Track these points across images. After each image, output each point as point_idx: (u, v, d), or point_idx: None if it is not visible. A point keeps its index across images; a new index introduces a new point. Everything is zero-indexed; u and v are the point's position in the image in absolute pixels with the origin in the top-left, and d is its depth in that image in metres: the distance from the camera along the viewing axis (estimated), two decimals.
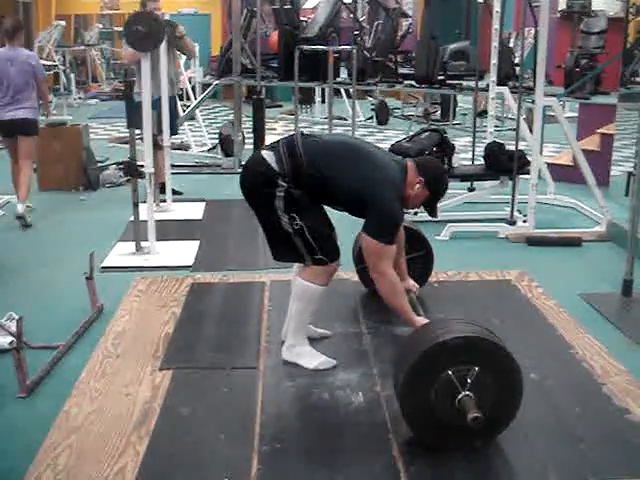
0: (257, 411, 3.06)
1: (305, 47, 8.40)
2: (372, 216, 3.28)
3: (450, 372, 2.71)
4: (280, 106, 14.22)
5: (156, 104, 5.83)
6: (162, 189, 6.53)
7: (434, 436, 2.80)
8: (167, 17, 6.82)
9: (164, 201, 6.45)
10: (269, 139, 9.19)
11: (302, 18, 11.21)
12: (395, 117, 12.89)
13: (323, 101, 12.91)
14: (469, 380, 2.70)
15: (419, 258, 4.31)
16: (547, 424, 3.00)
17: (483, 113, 9.74)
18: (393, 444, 2.83)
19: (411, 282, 3.94)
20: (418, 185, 3.40)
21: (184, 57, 9.76)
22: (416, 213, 6.09)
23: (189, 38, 6.85)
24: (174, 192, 6.72)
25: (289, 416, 3.12)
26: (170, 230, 5.75)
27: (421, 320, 3.31)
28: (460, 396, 2.69)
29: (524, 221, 5.89)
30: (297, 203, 3.28)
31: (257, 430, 2.92)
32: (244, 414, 3.05)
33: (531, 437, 2.89)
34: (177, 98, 7.19)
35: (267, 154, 3.33)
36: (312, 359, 3.45)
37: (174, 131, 7.16)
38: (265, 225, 3.42)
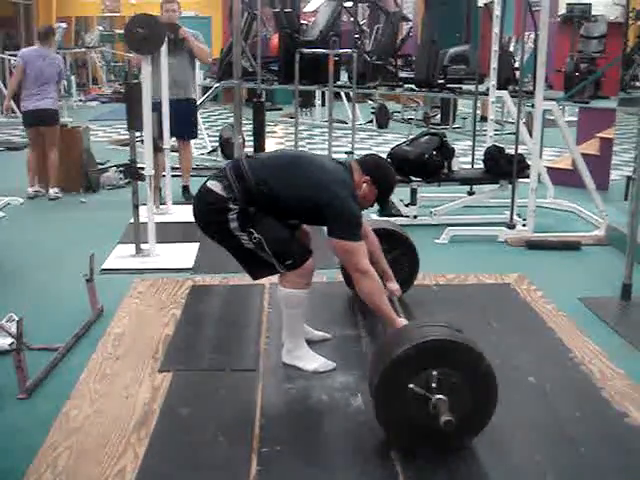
0: (256, 413, 3.07)
1: (305, 50, 8.41)
2: (332, 219, 3.27)
3: (424, 375, 2.70)
4: (280, 109, 14.25)
5: (157, 106, 5.85)
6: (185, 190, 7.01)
7: (408, 438, 2.80)
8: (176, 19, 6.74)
9: (164, 203, 6.47)
10: (269, 142, 9.22)
11: (302, 21, 11.26)
12: (395, 121, 12.91)
13: (323, 104, 12.95)
14: (442, 383, 2.70)
15: (403, 260, 4.26)
16: (546, 428, 3.00)
17: (483, 119, 9.76)
18: (392, 446, 2.84)
19: (396, 286, 3.90)
20: (365, 184, 3.40)
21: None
22: (416, 217, 6.15)
23: (198, 40, 6.77)
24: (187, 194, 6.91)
25: (288, 418, 3.12)
26: (170, 232, 5.75)
27: (402, 321, 3.29)
28: (434, 399, 2.69)
29: (523, 225, 5.90)
30: (250, 218, 3.29)
31: (256, 432, 2.92)
32: (243, 416, 3.05)
33: (530, 441, 2.90)
34: (194, 101, 7.15)
35: (213, 184, 3.36)
36: (311, 361, 3.46)
37: (193, 135, 7.24)
38: (230, 250, 3.47)
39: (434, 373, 2.70)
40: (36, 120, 7.16)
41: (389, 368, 2.74)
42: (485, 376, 2.77)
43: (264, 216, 3.32)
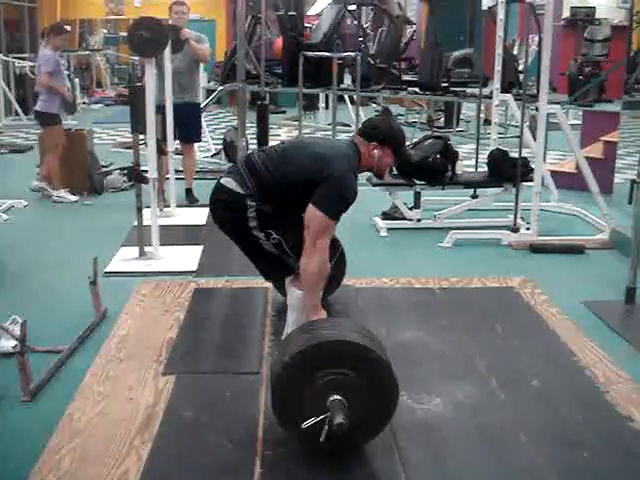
0: (260, 416, 3.06)
1: (309, 53, 8.42)
2: (323, 188, 3.22)
3: (323, 374, 2.67)
4: (284, 112, 14.25)
5: (161, 109, 5.86)
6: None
7: (301, 436, 2.75)
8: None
9: (168, 206, 6.47)
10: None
11: (306, 24, 11.26)
12: (399, 124, 12.89)
13: (327, 107, 12.93)
14: (341, 384, 2.66)
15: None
16: (550, 431, 2.99)
17: (487, 122, 9.76)
18: (395, 449, 2.83)
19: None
20: (375, 150, 3.39)
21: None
22: (419, 220, 6.14)
23: (199, 42, 6.76)
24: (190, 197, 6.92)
25: None
26: (174, 235, 5.76)
27: (322, 314, 3.26)
28: (330, 399, 2.65)
29: (527, 228, 5.89)
30: (269, 218, 3.29)
31: (260, 434, 2.92)
32: (247, 419, 3.05)
33: (534, 444, 2.89)
34: (199, 105, 7.14)
35: (227, 180, 3.37)
36: None
37: (198, 138, 7.25)
38: (247, 250, 3.46)
39: (330, 374, 2.66)
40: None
41: (286, 365, 2.71)
42: (384, 380, 2.73)
43: (282, 216, 3.31)
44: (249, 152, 3.55)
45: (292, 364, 2.71)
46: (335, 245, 3.70)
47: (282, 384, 2.74)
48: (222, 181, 3.40)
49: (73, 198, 7.08)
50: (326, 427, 2.62)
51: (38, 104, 7.12)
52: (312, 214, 3.21)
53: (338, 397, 2.65)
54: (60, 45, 7.21)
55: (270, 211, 3.30)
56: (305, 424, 2.65)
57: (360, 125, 3.61)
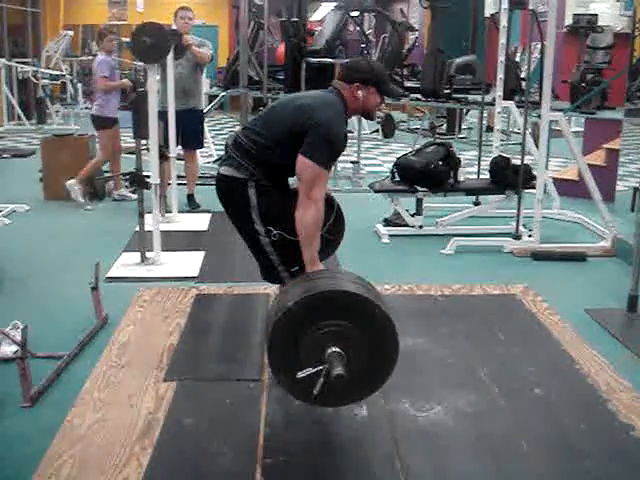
0: (261, 423, 3.06)
1: (312, 60, 8.42)
2: (310, 136, 3.11)
3: (322, 325, 2.63)
4: None
5: (163, 115, 5.86)
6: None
7: (301, 391, 2.71)
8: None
9: (170, 212, 6.48)
10: None
11: (309, 31, 11.25)
12: (401, 130, 12.91)
13: None
14: (340, 336, 2.62)
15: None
16: (551, 440, 2.98)
17: (489, 129, 9.76)
18: (396, 457, 2.83)
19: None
20: (359, 91, 3.27)
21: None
22: (421, 227, 6.14)
23: (204, 47, 6.76)
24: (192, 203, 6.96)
25: (293, 429, 3.10)
26: (175, 241, 5.76)
27: (320, 266, 3.17)
28: (328, 352, 2.61)
29: (529, 236, 5.89)
30: (270, 209, 3.22)
31: (261, 442, 2.91)
32: (248, 426, 3.04)
33: (535, 453, 2.88)
34: (201, 112, 7.11)
35: (224, 169, 3.28)
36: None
37: (200, 145, 7.26)
38: (249, 245, 3.39)
39: (329, 325, 2.62)
40: None
41: (284, 314, 2.66)
42: (384, 333, 2.69)
43: (282, 204, 3.24)
44: (233, 134, 3.46)
45: (290, 313, 2.65)
46: (331, 205, 3.60)
47: (279, 334, 2.67)
48: (221, 171, 3.33)
49: (134, 196, 7.06)
50: (322, 380, 2.56)
51: (94, 108, 7.27)
52: (302, 163, 3.11)
53: (337, 349, 2.61)
54: (110, 47, 7.18)
55: (270, 193, 3.23)
56: (300, 374, 2.60)
57: (339, 71, 3.41)
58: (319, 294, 2.70)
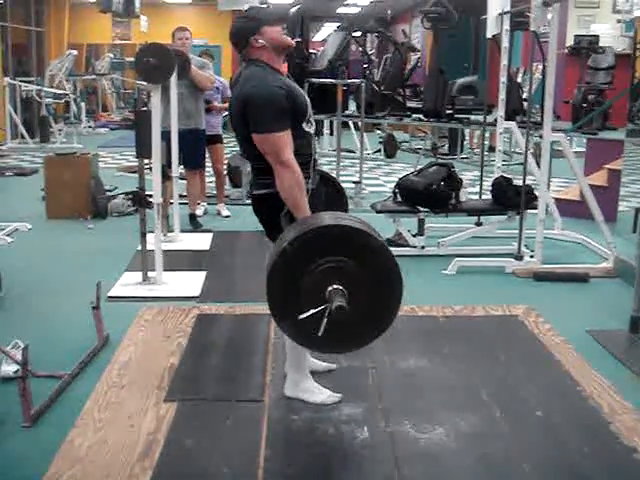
0: (262, 444, 3.04)
1: (314, 80, 8.45)
2: (252, 113, 3.07)
3: (322, 262, 2.58)
4: None
5: (166, 135, 5.88)
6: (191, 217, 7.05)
7: (305, 336, 2.67)
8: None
9: (172, 231, 6.48)
10: None
11: (311, 51, 11.31)
12: (403, 150, 12.92)
13: (331, 133, 12.98)
14: (341, 273, 2.57)
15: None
16: (553, 462, 2.97)
17: (491, 149, 9.78)
18: (397, 479, 2.81)
19: None
20: (259, 41, 3.17)
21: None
22: (423, 247, 6.14)
23: (203, 69, 6.78)
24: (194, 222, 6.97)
25: (294, 450, 3.09)
26: (177, 260, 5.76)
27: None
28: (329, 289, 2.56)
29: (531, 256, 5.88)
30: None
31: (261, 464, 2.90)
32: (249, 447, 3.03)
33: (537, 476, 2.86)
34: (203, 132, 7.04)
35: (255, 192, 3.29)
36: (316, 394, 3.41)
37: (201, 165, 7.24)
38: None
39: (329, 261, 2.58)
40: None
41: (283, 252, 2.61)
42: (386, 270, 2.63)
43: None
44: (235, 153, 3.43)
45: (289, 251, 2.60)
46: (327, 182, 3.58)
47: (278, 274, 2.62)
48: (254, 193, 3.29)
49: (226, 213, 7.67)
50: (325, 320, 2.51)
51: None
52: (257, 140, 3.08)
53: (337, 286, 2.56)
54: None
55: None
56: (302, 315, 2.55)
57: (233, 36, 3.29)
58: (311, 231, 2.65)
